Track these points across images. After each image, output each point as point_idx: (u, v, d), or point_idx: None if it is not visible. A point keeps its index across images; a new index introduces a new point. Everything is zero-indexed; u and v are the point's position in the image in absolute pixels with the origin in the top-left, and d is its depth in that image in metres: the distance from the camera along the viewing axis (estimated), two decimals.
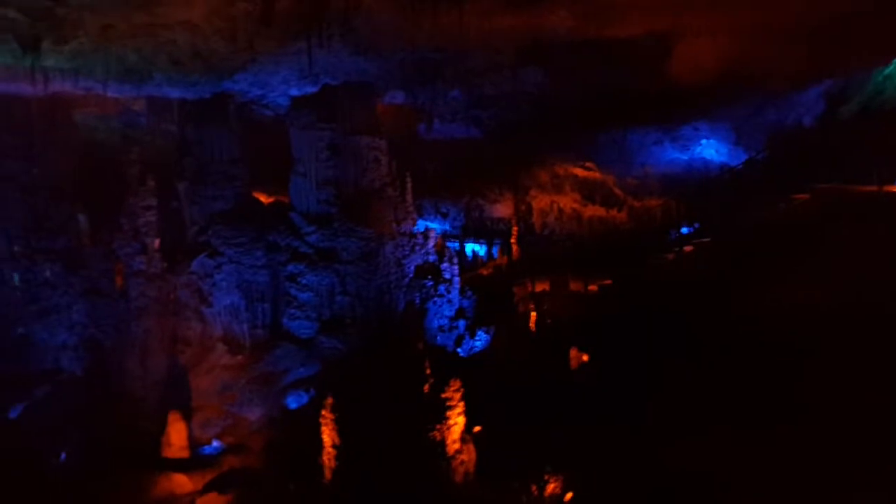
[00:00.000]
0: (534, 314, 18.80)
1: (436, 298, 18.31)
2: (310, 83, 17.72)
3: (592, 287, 19.86)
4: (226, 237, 18.03)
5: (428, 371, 13.87)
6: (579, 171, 24.22)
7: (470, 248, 25.39)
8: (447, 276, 18.71)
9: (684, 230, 21.74)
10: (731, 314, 14.17)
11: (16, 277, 17.52)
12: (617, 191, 24.48)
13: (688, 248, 19.34)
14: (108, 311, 17.21)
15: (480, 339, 18.56)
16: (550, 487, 12.58)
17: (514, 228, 24.35)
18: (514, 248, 24.13)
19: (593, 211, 24.82)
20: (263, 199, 20.47)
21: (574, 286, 20.18)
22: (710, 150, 22.83)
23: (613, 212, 24.65)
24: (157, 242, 17.32)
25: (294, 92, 18.32)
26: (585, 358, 16.28)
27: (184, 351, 17.40)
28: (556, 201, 25.20)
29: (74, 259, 17.70)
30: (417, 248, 18.61)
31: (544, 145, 21.77)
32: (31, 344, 17.33)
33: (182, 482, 14.14)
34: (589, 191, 24.72)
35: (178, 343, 17.51)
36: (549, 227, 25.40)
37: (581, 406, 14.48)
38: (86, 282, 17.44)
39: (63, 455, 14.86)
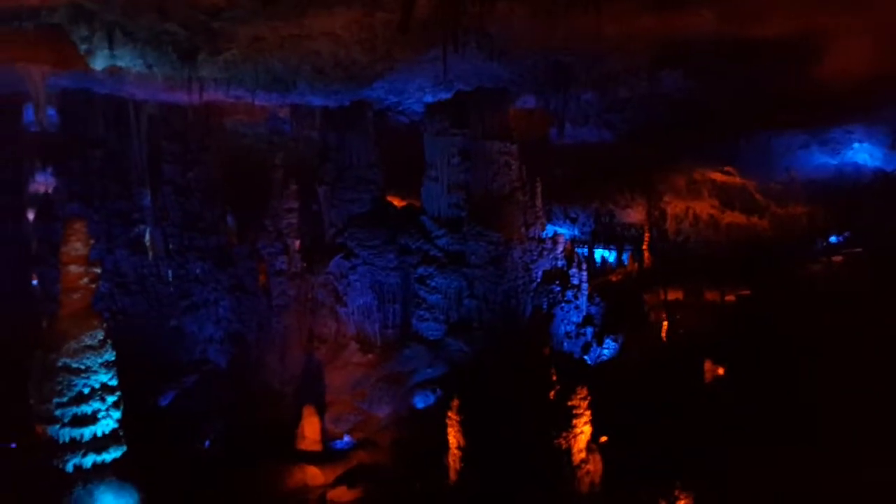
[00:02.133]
0: (665, 323, 18.24)
1: (563, 304, 18.12)
2: (444, 89, 18.02)
3: (730, 297, 19.06)
4: (360, 239, 18.67)
5: (554, 377, 13.72)
6: (718, 176, 23.24)
7: (599, 253, 24.96)
8: (575, 281, 18.47)
9: (833, 239, 20.42)
10: (887, 331, 13.16)
11: (170, 274, 18.90)
12: (758, 197, 23.28)
13: (837, 259, 18.13)
14: (251, 307, 18.26)
15: (608, 347, 18.21)
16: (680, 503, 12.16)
17: (647, 234, 23.72)
18: (646, 254, 23.50)
19: (732, 217, 23.74)
20: (396, 202, 21.01)
21: (710, 296, 19.43)
22: (864, 154, 21.25)
23: (754, 219, 23.46)
24: (297, 243, 18.22)
25: (428, 98, 18.71)
26: (721, 371, 15.64)
27: (319, 348, 18.18)
28: (692, 207, 24.30)
29: (222, 257, 18.89)
30: (546, 252, 18.49)
31: (681, 149, 21.02)
32: (181, 336, 18.63)
33: (315, 474, 14.71)
34: (728, 196, 23.67)
35: (315, 340, 18.32)
36: (684, 233, 24.52)
37: (715, 421, 13.92)
38: (232, 279, 18.57)
39: (207, 442, 15.85)
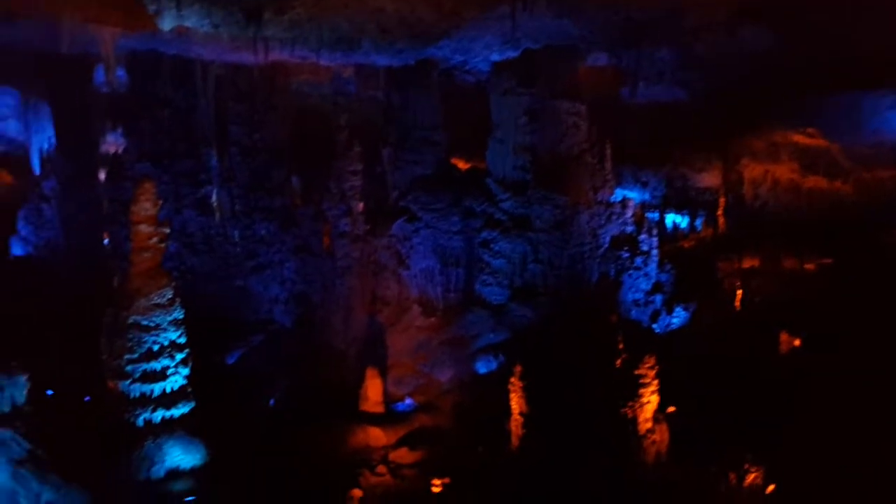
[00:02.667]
0: (740, 292, 17.61)
1: (631, 271, 17.65)
2: (511, 48, 17.54)
3: (809, 265, 18.26)
4: (424, 202, 18.53)
5: (621, 346, 13.40)
6: (800, 139, 22.09)
7: (671, 219, 24.18)
8: (645, 247, 17.94)
9: None
10: None
11: (236, 234, 19.15)
12: (843, 160, 22.07)
13: None
14: (315, 268, 18.38)
15: (678, 316, 17.71)
16: (751, 477, 11.83)
17: (722, 199, 22.83)
18: (721, 220, 22.66)
19: (814, 182, 22.57)
20: (461, 164, 20.75)
21: (788, 264, 18.67)
22: None
23: (837, 183, 22.25)
24: (361, 205, 18.19)
25: (495, 57, 18.25)
26: (797, 343, 15.06)
27: (382, 310, 18.25)
28: (771, 171, 23.21)
29: (287, 219, 19.02)
30: (614, 217, 17.99)
31: (760, 110, 20.02)
32: (248, 296, 18.92)
33: (377, 435, 14.81)
34: (810, 160, 22.50)
35: (378, 302, 18.38)
36: (762, 198, 23.48)
37: (789, 394, 13.42)
38: (297, 240, 18.71)
39: (272, 400, 16.13)
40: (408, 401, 16.25)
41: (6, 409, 10.27)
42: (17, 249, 21.27)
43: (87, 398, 14.54)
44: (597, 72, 19.45)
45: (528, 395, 12.81)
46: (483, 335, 17.18)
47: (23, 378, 10.57)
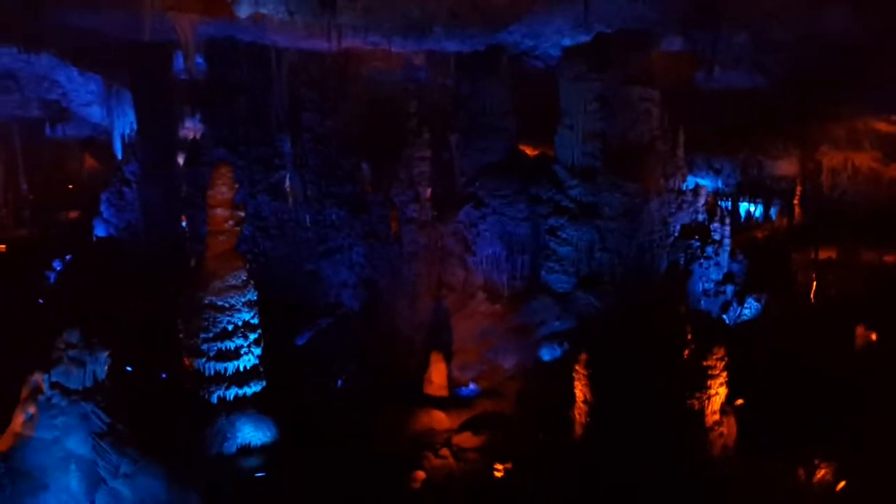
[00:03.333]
0: (815, 284, 17.06)
1: (702, 260, 17.28)
2: (583, 32, 17.27)
3: (889, 258, 17.51)
4: (491, 189, 18.53)
5: (689, 336, 13.16)
6: (883, 126, 21.19)
7: (744, 207, 23.59)
8: (717, 236, 17.54)
9: None
10: None
11: (308, 219, 19.53)
12: None
13: None
14: (383, 253, 18.64)
15: (750, 307, 17.28)
16: (820, 473, 11.57)
17: (799, 188, 22.12)
18: (797, 209, 21.98)
19: None
20: (529, 151, 20.63)
21: (867, 256, 17.98)
22: None
23: None
24: (428, 192, 18.32)
25: (566, 42, 18.01)
26: (874, 337, 14.49)
27: (447, 296, 18.37)
28: (851, 159, 22.38)
29: (357, 205, 19.30)
30: (685, 205, 17.64)
31: (841, 96, 19.24)
32: (318, 279, 19.29)
33: (441, 419, 14.97)
34: (893, 148, 21.59)
35: (443, 288, 18.52)
36: (840, 187, 22.68)
37: (865, 390, 12.97)
38: (366, 226, 18.99)
39: (340, 381, 16.48)
40: (472, 386, 16.35)
41: (88, 383, 10.64)
42: (100, 230, 22.21)
43: (163, 375, 15.14)
44: (671, 57, 19.00)
45: (593, 383, 12.74)
46: (548, 323, 17.13)
47: (104, 354, 10.90)
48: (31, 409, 10.24)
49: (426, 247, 18.30)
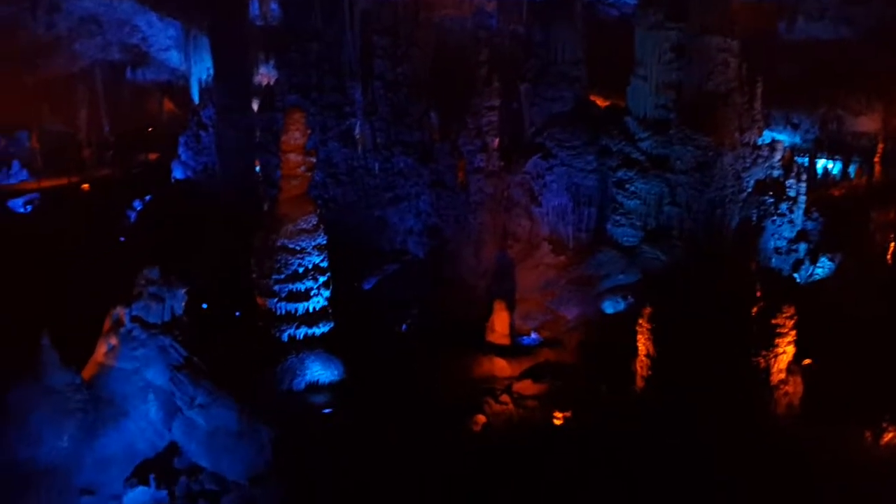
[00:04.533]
0: (893, 245, 16.45)
1: (775, 217, 16.84)
2: None
3: None
4: (559, 139, 18.34)
5: (759, 293, 12.95)
6: None
7: (822, 164, 22.71)
8: (791, 193, 17.02)
9: None
10: None
11: (376, 166, 19.78)
12: None
13: None
14: (449, 202, 18.78)
15: (823, 267, 16.82)
16: (888, 437, 11.34)
17: (880, 145, 21.13)
18: (877, 167, 21.03)
19: None
20: (600, 102, 20.28)
21: None
22: None
23: None
24: (496, 141, 18.27)
25: None
26: None
27: (512, 246, 18.45)
28: None
29: (425, 153, 19.41)
30: (760, 160, 17.13)
31: None
32: (385, 226, 19.63)
33: (502, 366, 15.23)
34: None
35: (508, 238, 18.58)
36: None
37: None
38: (433, 174, 19.12)
39: (405, 326, 16.87)
40: (533, 335, 16.53)
41: (166, 318, 11.20)
42: (178, 173, 23.01)
43: (237, 313, 15.78)
44: (752, 6, 18.34)
45: (657, 337, 12.71)
46: (612, 275, 17.07)
47: (181, 291, 11.44)
48: (113, 341, 10.87)
49: (492, 196, 18.33)
